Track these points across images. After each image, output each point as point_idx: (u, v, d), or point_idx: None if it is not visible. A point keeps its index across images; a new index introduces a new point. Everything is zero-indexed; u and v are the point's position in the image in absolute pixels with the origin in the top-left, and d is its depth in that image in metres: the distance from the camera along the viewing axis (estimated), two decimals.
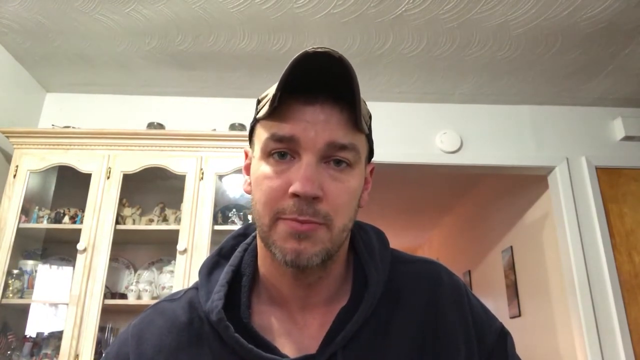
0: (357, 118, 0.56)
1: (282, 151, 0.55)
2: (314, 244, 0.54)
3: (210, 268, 0.64)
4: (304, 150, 0.54)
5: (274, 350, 0.56)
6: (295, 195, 0.53)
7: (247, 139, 0.65)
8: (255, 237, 0.65)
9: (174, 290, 0.68)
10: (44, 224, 2.34)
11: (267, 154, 0.56)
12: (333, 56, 0.52)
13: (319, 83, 0.55)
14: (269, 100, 0.56)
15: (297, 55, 0.52)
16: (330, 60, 0.52)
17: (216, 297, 0.58)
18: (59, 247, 2.46)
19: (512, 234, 3.62)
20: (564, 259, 2.69)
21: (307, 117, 0.55)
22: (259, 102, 0.60)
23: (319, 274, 0.59)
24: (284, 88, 0.54)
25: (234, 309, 0.58)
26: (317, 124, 0.54)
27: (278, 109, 0.55)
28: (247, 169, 0.64)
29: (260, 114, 0.58)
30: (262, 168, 0.56)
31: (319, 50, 0.51)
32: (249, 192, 0.61)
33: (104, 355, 0.63)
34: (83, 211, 2.28)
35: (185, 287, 0.68)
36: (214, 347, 0.57)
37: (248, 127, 0.65)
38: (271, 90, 0.57)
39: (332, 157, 0.55)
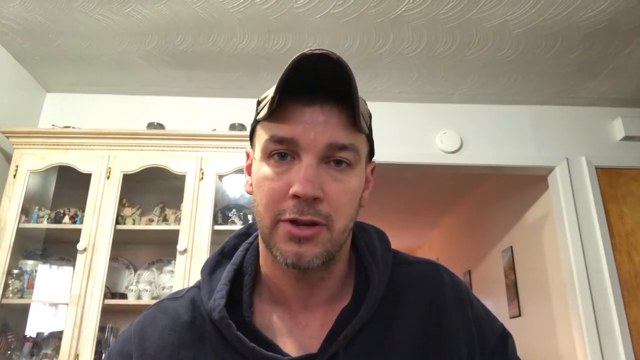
0: (356, 118, 0.56)
1: (282, 152, 0.55)
2: (315, 246, 0.54)
3: (212, 267, 0.64)
4: (304, 151, 0.54)
5: (275, 348, 0.56)
6: (295, 196, 0.53)
7: (247, 138, 0.65)
8: (257, 236, 0.65)
9: (174, 291, 0.68)
10: (44, 224, 2.34)
11: (268, 155, 0.56)
12: (331, 57, 0.52)
13: (318, 84, 0.55)
14: (268, 102, 0.56)
15: (294, 57, 0.52)
16: (328, 62, 0.52)
17: (218, 296, 0.58)
18: (59, 247, 2.46)
19: (512, 234, 3.62)
20: (564, 259, 2.69)
21: (307, 119, 0.55)
22: (258, 103, 0.61)
23: (321, 275, 0.59)
24: (283, 90, 0.54)
25: (236, 308, 0.59)
26: (316, 125, 0.55)
27: (277, 110, 0.55)
28: (249, 169, 0.64)
29: (260, 115, 0.58)
30: (263, 169, 0.57)
31: (317, 52, 0.52)
32: (250, 193, 0.61)
33: (106, 353, 0.63)
34: (83, 211, 2.28)
35: (186, 287, 0.68)
36: (216, 345, 0.57)
37: (248, 128, 0.65)
38: (270, 92, 0.57)
39: (332, 158, 0.55)
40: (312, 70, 0.53)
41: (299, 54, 0.52)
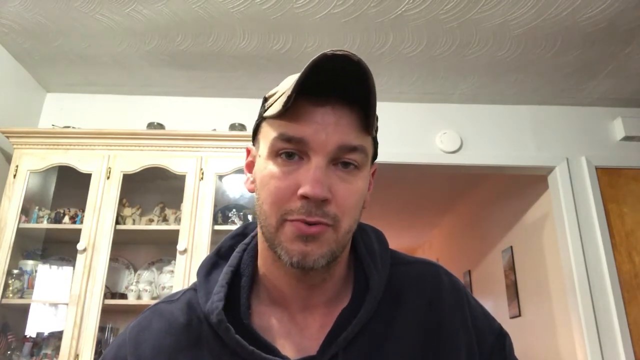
0: (368, 122, 0.55)
1: (290, 151, 0.55)
2: (321, 246, 0.54)
3: (208, 269, 0.64)
4: (314, 152, 0.54)
5: (274, 351, 0.55)
6: (304, 197, 0.52)
7: (247, 138, 0.65)
8: (254, 236, 0.65)
9: (174, 290, 0.67)
10: (44, 224, 2.34)
11: (275, 154, 0.56)
12: (351, 59, 0.51)
13: (332, 84, 0.54)
14: (281, 100, 0.55)
15: (315, 57, 0.51)
16: (349, 63, 0.52)
17: (216, 299, 0.58)
18: (59, 247, 2.46)
19: (512, 234, 3.62)
20: (564, 259, 2.69)
21: (318, 119, 0.54)
22: (265, 99, 0.60)
23: (323, 276, 0.59)
24: (300, 89, 0.53)
25: (234, 310, 0.58)
26: (327, 126, 0.54)
27: (288, 108, 0.54)
28: (249, 166, 0.63)
29: (269, 113, 0.57)
30: (270, 167, 0.56)
31: (338, 52, 0.51)
32: (252, 191, 0.60)
33: (101, 357, 0.62)
34: (83, 211, 2.28)
35: (185, 287, 0.67)
36: (213, 348, 0.57)
37: (251, 125, 0.65)
38: (281, 89, 0.57)
39: (341, 160, 0.55)
40: (330, 70, 0.52)
41: (320, 54, 0.51)
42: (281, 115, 0.55)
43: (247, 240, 0.66)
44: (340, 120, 0.55)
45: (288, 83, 0.56)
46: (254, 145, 0.63)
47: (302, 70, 0.52)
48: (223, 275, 0.61)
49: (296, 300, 0.60)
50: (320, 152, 0.54)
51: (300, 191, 0.52)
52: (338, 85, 0.54)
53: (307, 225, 0.53)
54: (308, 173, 0.53)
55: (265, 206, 0.55)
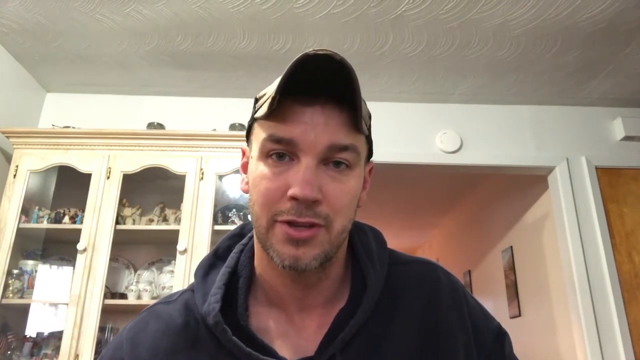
0: (357, 120, 0.55)
1: (281, 152, 0.55)
2: (313, 248, 0.53)
3: (206, 269, 0.63)
4: (303, 152, 0.54)
5: (271, 352, 0.55)
6: (293, 198, 0.52)
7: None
8: (251, 237, 0.65)
9: (174, 290, 0.67)
10: (44, 224, 2.34)
11: (265, 155, 0.55)
12: (334, 58, 0.51)
13: (319, 84, 0.54)
14: (268, 101, 0.55)
15: (297, 57, 0.51)
16: (331, 62, 0.51)
17: (213, 300, 0.57)
18: (59, 247, 2.46)
19: (512, 234, 3.62)
20: (564, 259, 2.69)
21: (307, 119, 0.54)
22: (256, 100, 0.60)
23: (318, 276, 0.59)
24: (284, 90, 0.53)
25: (231, 311, 0.58)
26: (316, 126, 0.54)
27: (277, 109, 0.54)
28: (245, 167, 0.63)
29: (259, 114, 0.57)
30: (260, 168, 0.56)
31: (320, 52, 0.51)
32: (246, 192, 0.60)
33: (98, 358, 0.62)
34: (83, 211, 2.28)
35: (185, 287, 0.67)
36: (211, 349, 0.56)
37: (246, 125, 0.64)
38: (270, 90, 0.57)
39: (332, 159, 0.54)
40: (315, 70, 0.52)
41: (302, 54, 0.51)
42: (269, 116, 0.55)
43: (244, 240, 0.66)
44: (330, 119, 0.54)
45: (276, 84, 0.55)
46: (247, 146, 0.63)
47: (285, 70, 0.52)
48: (220, 276, 0.60)
49: (293, 300, 0.59)
50: (309, 152, 0.53)
51: (290, 192, 0.52)
52: (326, 85, 0.54)
53: (297, 230, 0.52)
54: (298, 174, 0.53)
55: (256, 207, 0.55)
